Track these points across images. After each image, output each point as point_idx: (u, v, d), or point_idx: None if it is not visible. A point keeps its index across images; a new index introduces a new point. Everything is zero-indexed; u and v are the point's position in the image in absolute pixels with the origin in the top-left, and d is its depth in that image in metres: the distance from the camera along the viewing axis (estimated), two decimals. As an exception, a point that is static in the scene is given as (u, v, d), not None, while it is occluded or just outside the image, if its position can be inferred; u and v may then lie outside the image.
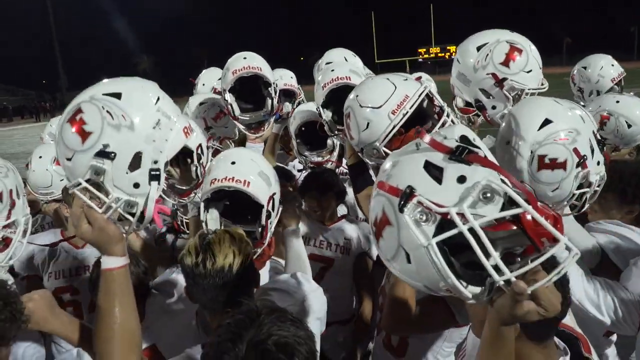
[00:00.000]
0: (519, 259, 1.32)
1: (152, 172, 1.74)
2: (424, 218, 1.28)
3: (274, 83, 3.54)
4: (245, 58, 3.55)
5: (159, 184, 1.76)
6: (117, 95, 1.70)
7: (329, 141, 3.95)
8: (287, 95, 4.39)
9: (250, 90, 3.58)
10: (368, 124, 2.25)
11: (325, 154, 3.96)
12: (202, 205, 2.52)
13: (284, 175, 3.92)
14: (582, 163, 2.17)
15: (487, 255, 1.21)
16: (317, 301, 2.29)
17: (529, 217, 1.22)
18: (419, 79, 2.47)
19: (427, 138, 1.37)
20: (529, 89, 2.78)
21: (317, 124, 3.36)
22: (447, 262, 1.27)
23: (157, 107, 1.78)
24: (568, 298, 1.81)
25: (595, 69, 5.09)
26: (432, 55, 74.79)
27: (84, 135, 1.63)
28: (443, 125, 2.23)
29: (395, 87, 2.23)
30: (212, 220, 2.53)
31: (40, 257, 3.39)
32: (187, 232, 3.60)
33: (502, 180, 1.26)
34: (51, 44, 61.35)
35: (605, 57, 5.18)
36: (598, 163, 2.24)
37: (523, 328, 1.68)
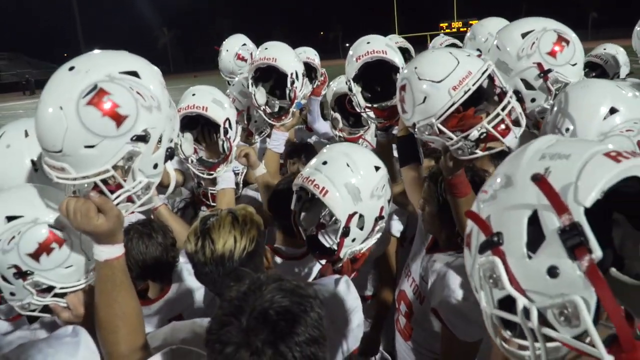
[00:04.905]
0: None
1: (168, 151, 1.69)
2: (493, 284, 1.09)
3: (291, 73, 3.44)
4: (266, 49, 3.53)
5: (171, 161, 1.74)
6: (135, 74, 1.60)
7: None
8: (307, 70, 4.28)
9: (277, 79, 3.58)
10: (425, 98, 2.10)
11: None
12: (294, 197, 2.43)
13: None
14: None
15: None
16: (348, 315, 2.11)
17: None
18: (479, 55, 2.30)
19: (548, 178, 1.04)
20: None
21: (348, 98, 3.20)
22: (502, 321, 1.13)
23: (163, 84, 1.71)
24: None
25: None
26: (454, 30, 73.01)
27: (119, 119, 1.50)
28: (504, 108, 2.06)
29: (458, 62, 2.08)
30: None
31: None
32: (211, 204, 3.67)
33: (597, 308, 0.97)
34: (72, 16, 61.65)
35: None
36: None
37: None
